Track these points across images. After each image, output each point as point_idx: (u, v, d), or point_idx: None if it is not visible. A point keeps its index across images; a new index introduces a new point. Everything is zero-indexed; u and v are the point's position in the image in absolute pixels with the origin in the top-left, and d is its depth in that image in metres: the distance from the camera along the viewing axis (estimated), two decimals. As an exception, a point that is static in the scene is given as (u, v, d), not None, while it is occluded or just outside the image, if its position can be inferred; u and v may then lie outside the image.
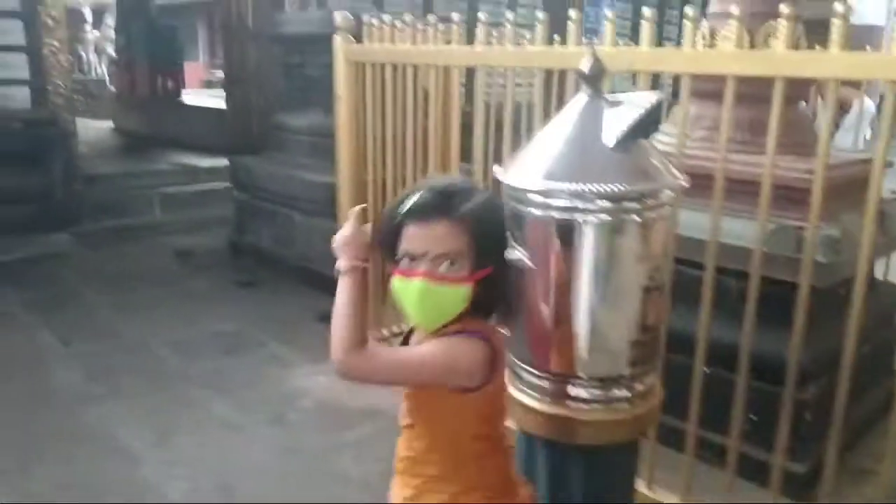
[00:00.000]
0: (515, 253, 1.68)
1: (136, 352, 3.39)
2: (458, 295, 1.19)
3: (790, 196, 2.32)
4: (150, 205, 5.93)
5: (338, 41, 2.93)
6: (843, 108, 4.95)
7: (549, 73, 2.51)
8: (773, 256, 2.24)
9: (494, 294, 1.24)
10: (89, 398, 2.94)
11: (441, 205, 1.19)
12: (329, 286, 4.47)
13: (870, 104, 5.30)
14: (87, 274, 4.55)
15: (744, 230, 2.27)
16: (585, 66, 1.59)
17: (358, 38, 3.00)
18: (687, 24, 1.94)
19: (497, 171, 1.74)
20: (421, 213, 1.17)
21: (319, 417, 2.87)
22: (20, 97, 5.40)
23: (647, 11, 2.01)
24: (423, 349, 1.21)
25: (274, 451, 2.61)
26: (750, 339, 1.99)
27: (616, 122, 1.54)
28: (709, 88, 2.34)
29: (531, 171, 1.63)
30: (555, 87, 2.60)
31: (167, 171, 6.56)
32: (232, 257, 5.04)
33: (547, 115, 2.44)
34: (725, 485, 2.07)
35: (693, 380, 2.11)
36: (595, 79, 1.60)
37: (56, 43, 5.44)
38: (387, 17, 2.81)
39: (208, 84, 17.48)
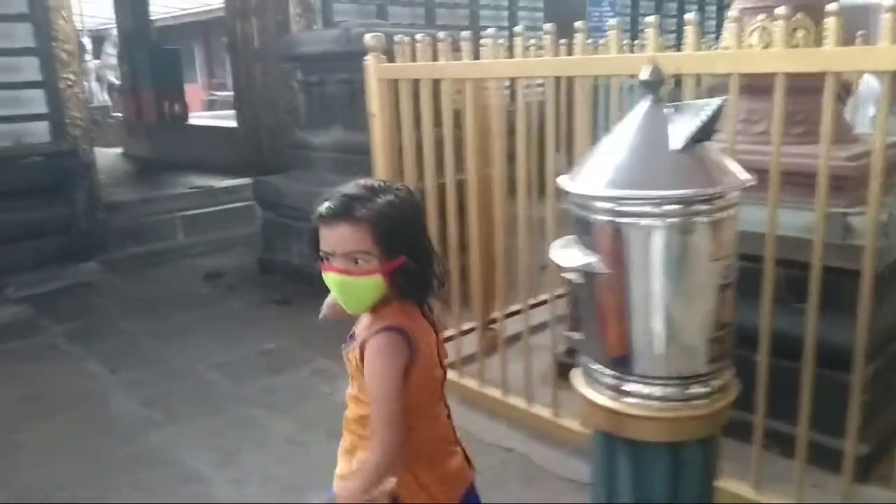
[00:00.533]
0: (585, 259, 1.74)
1: (185, 377, 3.44)
2: (369, 284, 1.35)
3: (833, 184, 2.38)
4: (173, 228, 6.00)
5: (370, 60, 2.99)
6: (846, 89, 5.00)
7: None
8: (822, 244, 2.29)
9: (413, 281, 1.38)
10: (149, 424, 2.99)
11: (341, 209, 1.34)
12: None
13: (875, 84, 5.36)
14: (121, 301, 4.61)
15: (791, 220, 2.33)
16: (645, 73, 1.65)
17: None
18: (728, 25, 2.01)
19: (562, 180, 1.80)
20: (325, 217, 1.35)
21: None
22: (39, 131, 5.47)
23: (691, 16, 2.07)
24: (373, 390, 1.36)
25: (328, 465, 2.65)
26: (813, 327, 2.04)
27: (680, 126, 1.60)
28: (742, 83, 2.41)
29: (597, 179, 1.69)
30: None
31: (185, 195, 6.62)
32: (262, 275, 5.10)
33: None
34: (793, 473, 2.13)
35: (752, 370, 2.17)
36: (656, 86, 1.66)
37: (71, 76, 5.52)
38: (419, 36, 2.86)
39: (209, 105, 17.56)
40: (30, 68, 5.35)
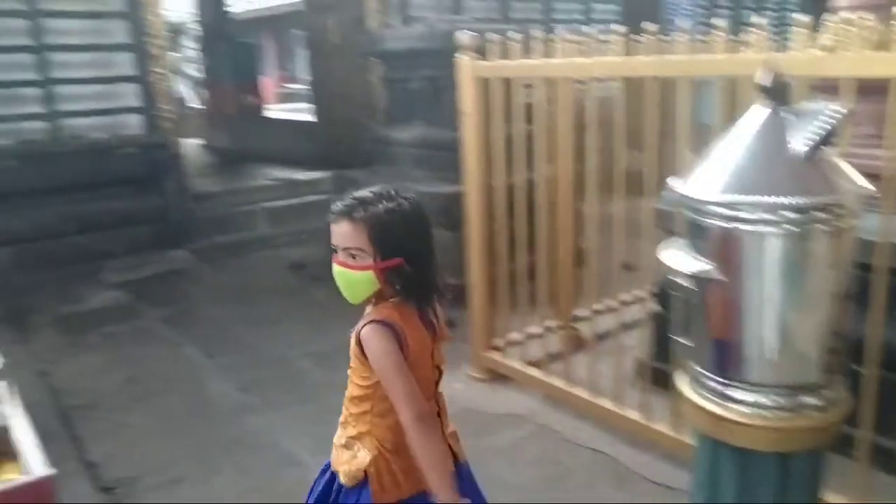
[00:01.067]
0: (699, 265, 1.74)
1: (278, 363, 3.58)
2: (362, 278, 1.53)
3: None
4: (256, 219, 6.19)
5: (463, 59, 3.03)
6: None
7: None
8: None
9: (409, 283, 1.53)
10: (246, 409, 3.13)
11: (345, 211, 1.52)
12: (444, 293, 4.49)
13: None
14: (211, 289, 4.80)
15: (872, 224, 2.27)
16: (765, 78, 1.64)
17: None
18: (839, 27, 1.97)
19: (674, 182, 1.80)
20: (334, 216, 1.53)
21: (464, 423, 2.94)
22: (133, 124, 5.72)
23: (799, 17, 2.03)
24: (382, 374, 1.53)
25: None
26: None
27: (800, 132, 1.58)
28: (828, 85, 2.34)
29: (712, 183, 1.69)
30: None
31: (267, 187, 6.81)
32: (342, 267, 5.22)
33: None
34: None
35: (856, 383, 2.13)
36: (776, 92, 1.65)
37: (162, 70, 5.75)
38: (512, 34, 2.88)
39: (282, 98, 17.94)
40: (124, 63, 5.60)
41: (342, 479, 1.62)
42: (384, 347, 1.51)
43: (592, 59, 2.64)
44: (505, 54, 2.92)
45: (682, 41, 2.36)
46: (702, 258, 1.74)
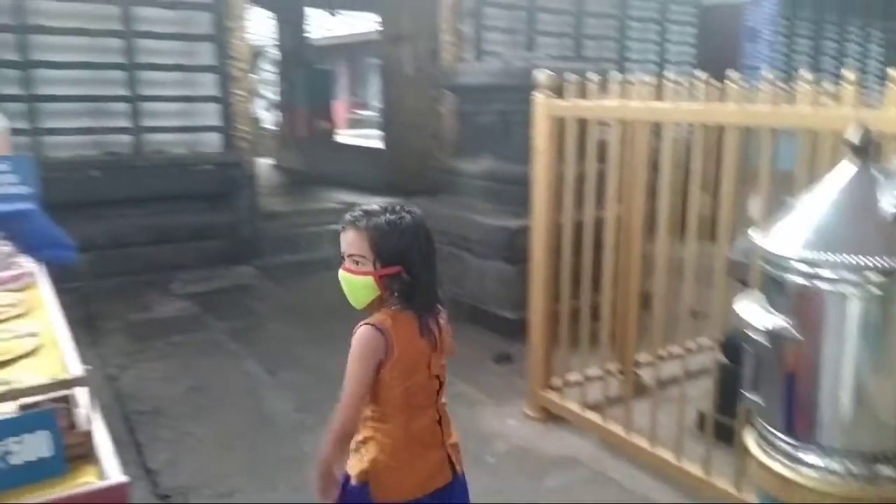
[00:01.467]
0: (774, 321, 1.69)
1: (336, 385, 3.59)
2: (363, 283, 1.64)
3: None
4: (321, 241, 6.31)
5: (539, 97, 3.05)
6: None
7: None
8: None
9: (406, 290, 1.63)
10: (303, 428, 3.16)
11: (351, 220, 1.65)
12: (502, 327, 4.62)
13: None
14: (276, 305, 4.89)
15: None
16: (855, 136, 1.60)
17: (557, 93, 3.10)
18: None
19: (753, 234, 1.76)
20: (343, 224, 1.67)
21: (516, 462, 2.94)
22: (211, 142, 5.95)
23: (892, 72, 1.97)
24: (347, 371, 1.67)
25: (481, 494, 2.69)
26: None
27: (890, 193, 1.54)
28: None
29: (794, 238, 1.65)
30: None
31: (333, 209, 6.95)
32: (401, 294, 5.26)
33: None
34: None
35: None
36: (865, 150, 1.61)
37: (242, 92, 5.97)
38: (591, 75, 2.88)
39: (353, 124, 18.33)
40: (207, 84, 5.84)
41: (352, 481, 1.67)
42: (360, 352, 1.63)
43: (672, 105, 2.62)
44: (581, 93, 2.93)
45: (766, 90, 2.32)
46: (778, 314, 1.70)
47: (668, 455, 2.74)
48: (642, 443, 2.84)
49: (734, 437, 2.54)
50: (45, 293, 2.14)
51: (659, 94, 2.77)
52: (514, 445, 3.06)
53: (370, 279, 1.63)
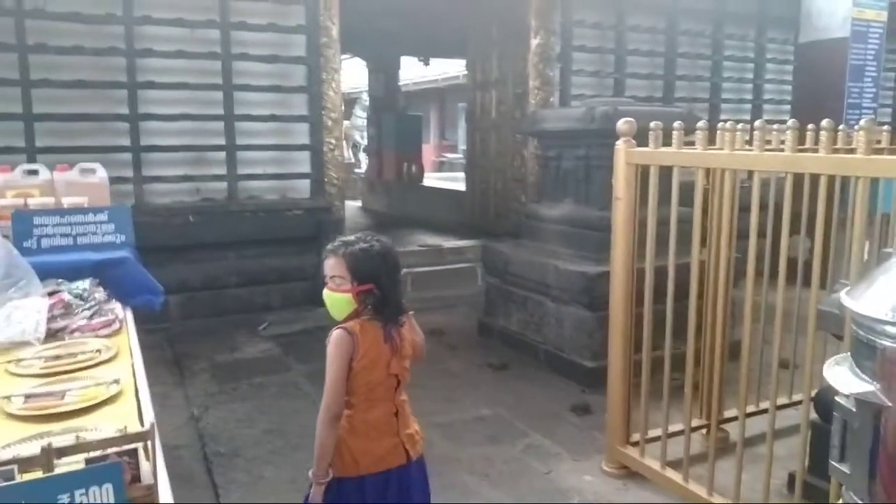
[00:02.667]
0: (863, 386, 1.57)
1: (409, 431, 3.60)
2: (342, 299, 1.98)
3: None
4: (404, 283, 6.39)
5: (620, 145, 3.01)
6: None
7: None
8: None
9: (375, 304, 1.98)
10: (374, 474, 3.16)
11: (333, 249, 2.01)
12: (581, 375, 4.51)
13: None
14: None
15: None
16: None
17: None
18: None
19: (844, 298, 1.65)
20: (325, 253, 2.03)
21: (592, 519, 2.84)
22: (302, 188, 6.18)
23: None
24: (327, 367, 1.99)
25: (553, 552, 2.62)
26: None
27: None
28: None
29: (887, 299, 1.53)
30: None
31: (416, 252, 7.05)
32: (480, 338, 5.24)
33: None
34: None
35: None
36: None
37: (333, 140, 6.18)
38: (676, 123, 2.81)
39: (439, 166, 18.66)
40: (300, 133, 6.10)
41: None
42: (334, 351, 1.97)
43: (757, 153, 2.52)
44: (665, 140, 2.87)
45: (861, 140, 2.20)
46: (866, 378, 1.58)
47: (754, 522, 2.57)
48: (726, 507, 2.68)
49: (828, 501, 2.36)
50: (131, 340, 2.24)
51: (746, 142, 2.67)
52: (591, 503, 2.95)
53: (349, 296, 1.97)
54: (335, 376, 1.96)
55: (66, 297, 2.34)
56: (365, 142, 14.55)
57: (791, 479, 2.90)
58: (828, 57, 7.45)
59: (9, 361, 1.96)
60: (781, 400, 3.61)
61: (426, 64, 14.00)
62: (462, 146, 16.35)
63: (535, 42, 6.85)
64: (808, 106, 7.67)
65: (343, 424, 2.00)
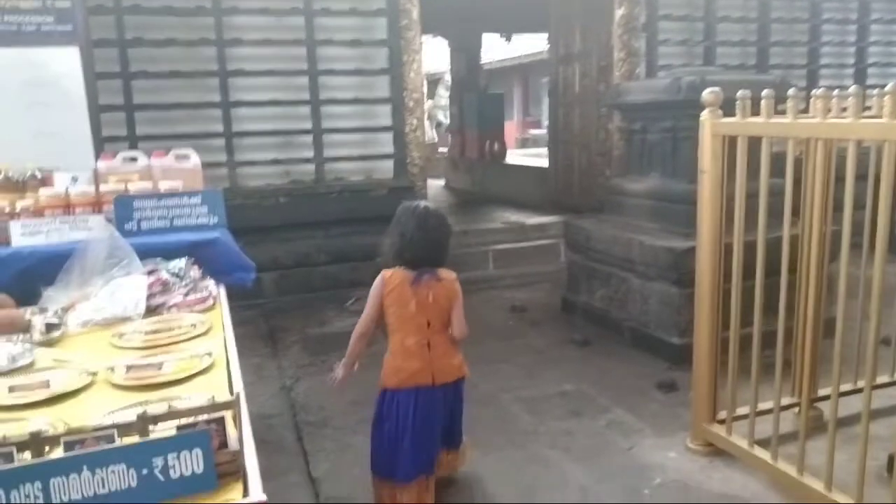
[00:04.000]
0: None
1: (491, 404, 3.65)
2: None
3: None
4: (486, 260, 6.43)
5: (705, 116, 2.90)
6: None
7: None
8: None
9: (402, 251, 2.57)
10: (454, 447, 3.23)
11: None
12: (667, 352, 4.44)
13: None
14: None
15: None
16: None
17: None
18: None
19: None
20: None
21: (676, 497, 2.79)
22: (385, 168, 6.29)
23: None
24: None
25: (634, 529, 2.61)
26: None
27: None
28: None
29: None
30: None
31: (499, 229, 7.06)
32: (563, 314, 5.22)
33: None
34: None
35: None
36: None
37: (415, 121, 6.25)
38: (765, 92, 2.68)
39: (522, 143, 18.50)
40: (383, 114, 6.20)
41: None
42: (372, 289, 2.62)
43: (851, 121, 2.38)
44: (754, 109, 2.75)
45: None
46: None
47: (846, 501, 2.46)
48: (817, 486, 2.58)
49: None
50: (224, 315, 2.37)
51: (842, 109, 2.52)
52: (673, 480, 2.91)
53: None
54: (367, 305, 2.63)
55: (164, 275, 2.49)
56: (448, 121, 14.59)
57: (891, 460, 2.76)
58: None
59: (113, 335, 2.12)
60: (882, 379, 3.43)
61: (508, 41, 13.84)
62: (546, 122, 16.14)
63: (619, 12, 6.66)
64: None
65: (389, 347, 2.65)
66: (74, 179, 3.01)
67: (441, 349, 2.62)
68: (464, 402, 2.82)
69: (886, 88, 2.53)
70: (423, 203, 2.65)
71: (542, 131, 17.63)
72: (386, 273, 2.58)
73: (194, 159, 3.23)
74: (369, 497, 2.74)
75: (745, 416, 2.99)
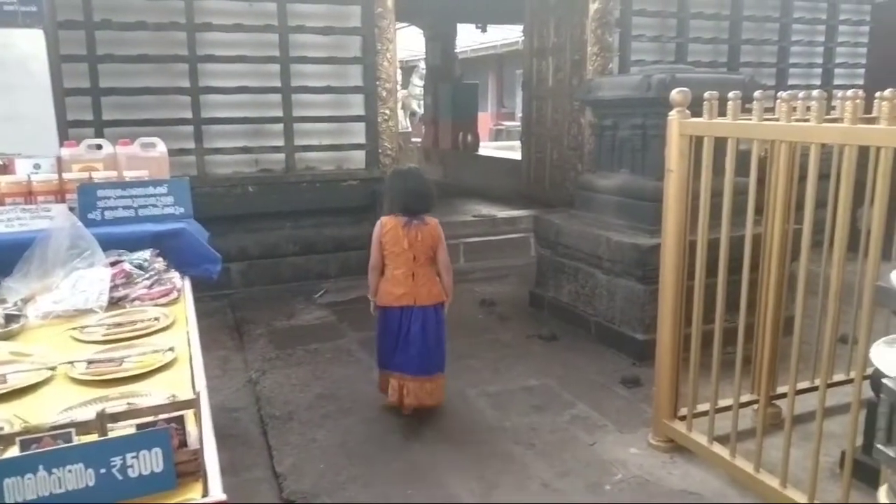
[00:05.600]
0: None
1: (457, 400, 3.67)
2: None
3: None
4: (456, 253, 6.43)
5: (673, 116, 2.94)
6: None
7: None
8: None
9: (390, 200, 3.35)
10: (419, 440, 3.24)
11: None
12: (632, 348, 4.51)
13: None
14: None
15: None
16: None
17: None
18: None
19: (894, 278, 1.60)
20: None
21: (633, 494, 2.84)
22: (357, 159, 6.26)
23: None
24: None
25: (594, 524, 2.64)
26: None
27: None
28: None
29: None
30: None
31: (470, 222, 7.06)
32: (531, 308, 5.25)
33: None
34: None
35: None
36: None
37: (387, 111, 6.22)
38: (732, 94, 2.72)
39: (496, 134, 18.48)
40: (355, 104, 6.16)
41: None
42: (373, 233, 3.37)
43: (814, 124, 2.42)
44: (723, 109, 2.78)
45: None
46: (914, 360, 1.54)
47: (801, 498, 2.53)
48: (773, 482, 2.64)
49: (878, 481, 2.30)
50: (188, 308, 2.34)
51: (806, 112, 2.57)
52: (634, 475, 2.96)
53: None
54: (373, 247, 3.36)
55: (128, 266, 2.46)
56: (422, 111, 14.54)
57: (844, 456, 2.84)
58: (907, 16, 7.05)
59: (74, 328, 2.08)
60: (840, 376, 3.52)
61: (483, 31, 13.82)
62: (520, 114, 16.18)
63: (593, 7, 6.69)
64: (885, 69, 7.28)
65: (384, 275, 3.36)
66: (37, 167, 2.94)
67: (423, 279, 3.33)
68: (444, 327, 3.45)
69: (848, 93, 2.59)
70: (407, 165, 3.76)
71: (516, 123, 17.66)
72: (383, 219, 3.32)
73: (161, 148, 3.18)
74: (334, 492, 2.75)
75: (705, 413, 3.05)
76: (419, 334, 3.31)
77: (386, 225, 3.29)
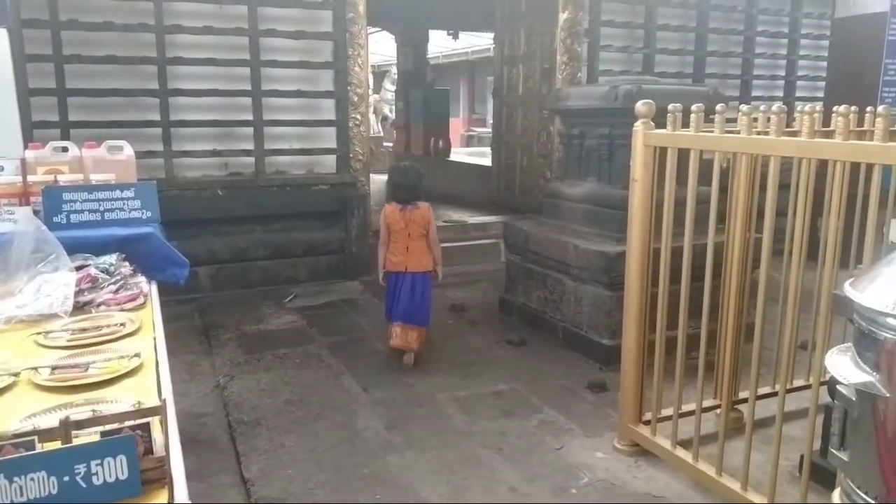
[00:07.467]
0: (863, 376, 1.59)
1: (426, 405, 3.69)
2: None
3: None
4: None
5: (638, 127, 3.00)
6: None
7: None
8: None
9: (394, 193, 4.26)
10: (390, 447, 3.25)
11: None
12: (599, 353, 4.58)
13: None
14: (378, 322, 5.03)
15: None
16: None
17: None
18: None
19: (848, 289, 1.66)
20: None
21: (602, 497, 2.88)
22: (328, 163, 6.24)
23: None
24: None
25: (559, 527, 2.67)
26: None
27: None
28: None
29: (889, 293, 1.54)
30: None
31: (440, 227, 7.05)
32: (501, 314, 5.29)
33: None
34: None
35: None
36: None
37: (359, 116, 6.22)
38: (695, 107, 2.79)
39: (467, 140, 18.53)
40: (326, 108, 6.15)
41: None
42: (382, 216, 4.24)
43: (773, 138, 2.49)
44: (683, 122, 2.85)
45: (879, 126, 2.16)
46: (868, 370, 1.60)
47: (760, 500, 2.60)
48: (734, 486, 2.70)
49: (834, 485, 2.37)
50: (155, 314, 2.32)
51: (768, 125, 2.64)
52: (600, 479, 3.00)
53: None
54: (382, 228, 4.23)
55: (93, 271, 2.43)
56: (393, 116, 14.55)
57: (804, 460, 2.91)
58: (865, 32, 7.26)
59: (38, 333, 2.05)
60: (800, 382, 3.61)
61: (455, 38, 13.89)
62: (491, 120, 16.26)
63: (563, 16, 6.78)
64: (844, 83, 7.49)
65: (389, 248, 4.21)
66: (0, 169, 2.89)
67: (415, 252, 4.20)
68: (429, 290, 4.31)
69: (806, 108, 2.67)
70: (404, 162, 4.74)
71: (488, 130, 17.76)
72: (386, 206, 4.23)
73: (128, 151, 3.15)
74: (302, 497, 2.74)
75: (669, 418, 3.10)
76: (408, 293, 4.18)
77: (388, 209, 4.20)
